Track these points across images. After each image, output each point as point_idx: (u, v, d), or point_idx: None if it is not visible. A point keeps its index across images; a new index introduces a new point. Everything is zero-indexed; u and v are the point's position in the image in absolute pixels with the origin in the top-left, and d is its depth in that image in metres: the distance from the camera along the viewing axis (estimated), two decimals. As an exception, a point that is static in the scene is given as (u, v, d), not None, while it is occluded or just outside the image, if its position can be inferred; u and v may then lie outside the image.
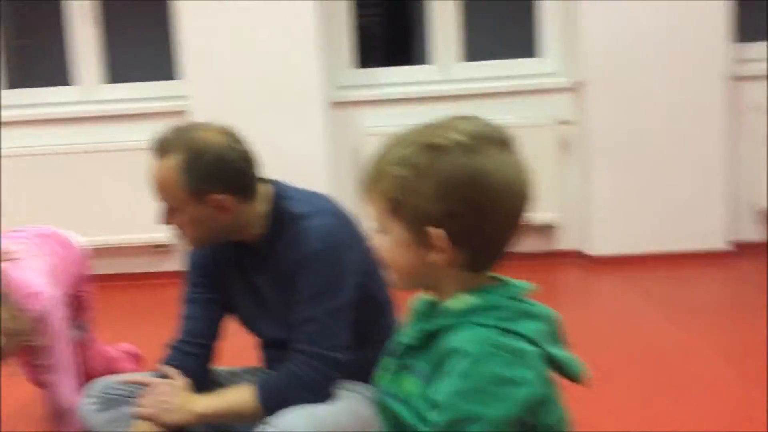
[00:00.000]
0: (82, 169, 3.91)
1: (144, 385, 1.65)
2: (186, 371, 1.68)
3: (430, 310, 1.10)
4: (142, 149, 3.55)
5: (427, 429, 0.99)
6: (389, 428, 1.11)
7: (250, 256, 1.71)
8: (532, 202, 1.03)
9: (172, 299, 1.77)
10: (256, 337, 1.81)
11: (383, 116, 3.92)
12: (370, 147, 3.80)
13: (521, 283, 1.08)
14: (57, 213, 3.88)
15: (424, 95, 3.95)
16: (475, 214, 0.98)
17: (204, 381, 1.73)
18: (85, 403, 1.71)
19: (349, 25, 4.05)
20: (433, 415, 0.97)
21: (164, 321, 1.87)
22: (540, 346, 1.00)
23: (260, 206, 1.67)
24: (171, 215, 1.63)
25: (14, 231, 2.15)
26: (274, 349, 1.76)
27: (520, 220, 1.03)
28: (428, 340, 1.06)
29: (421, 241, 1.01)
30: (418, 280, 1.08)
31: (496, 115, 1.36)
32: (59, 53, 4.19)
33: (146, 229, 3.58)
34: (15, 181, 3.89)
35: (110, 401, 1.70)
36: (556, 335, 1.07)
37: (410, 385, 1.06)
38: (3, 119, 4.00)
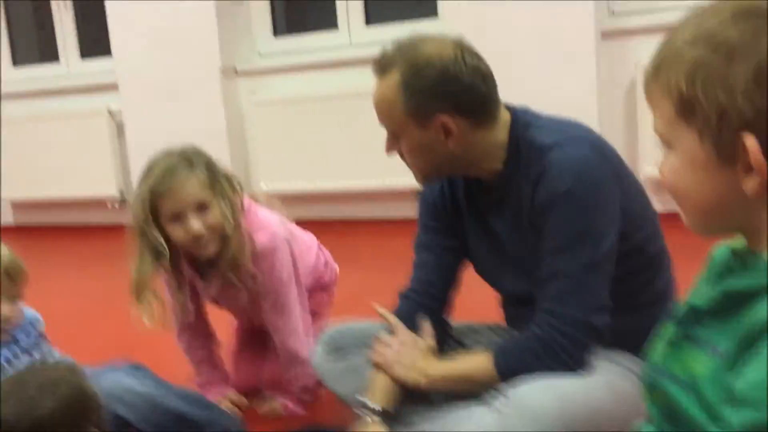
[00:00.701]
0: (345, 112, 3.94)
1: (391, 329, 1.51)
2: (416, 324, 1.52)
3: (738, 263, 0.77)
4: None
5: (719, 431, 0.69)
6: (659, 417, 0.82)
7: (486, 196, 1.47)
8: None
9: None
10: (497, 291, 1.59)
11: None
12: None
13: None
14: (319, 156, 4.01)
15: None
16: None
17: (439, 336, 1.55)
18: (316, 351, 1.63)
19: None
20: (731, 413, 0.68)
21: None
22: None
23: (499, 135, 1.41)
24: (393, 142, 1.44)
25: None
26: (515, 305, 1.53)
27: None
28: (732, 304, 0.74)
29: (726, 156, 0.70)
30: (720, 218, 0.76)
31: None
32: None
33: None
34: (282, 126, 4.05)
35: (342, 350, 1.60)
36: None
37: (699, 364, 0.76)
38: (275, 66, 4.18)
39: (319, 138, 4.01)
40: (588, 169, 1.33)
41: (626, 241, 1.38)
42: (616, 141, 3.45)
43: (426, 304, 1.54)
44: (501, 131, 1.41)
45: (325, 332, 1.65)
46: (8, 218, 4.96)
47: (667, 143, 0.75)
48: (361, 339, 1.60)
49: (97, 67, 4.69)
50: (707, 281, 0.80)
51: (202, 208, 1.69)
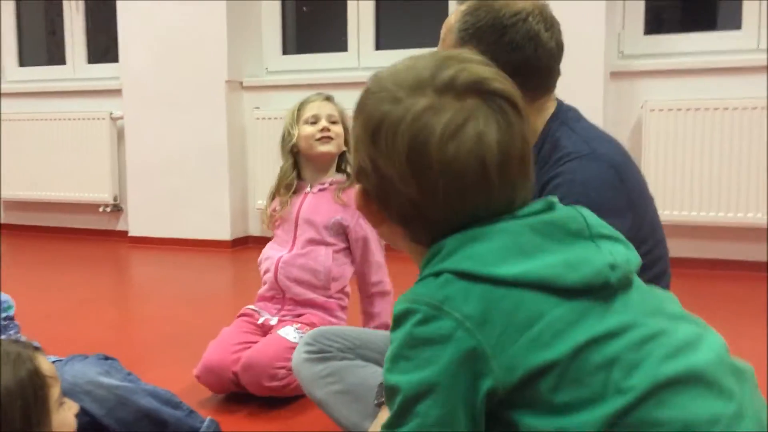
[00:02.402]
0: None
1: None
2: None
3: None
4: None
5: None
6: None
7: None
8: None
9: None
10: None
11: (670, 89, 3.41)
12: (653, 123, 3.42)
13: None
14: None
15: (724, 65, 3.35)
16: (377, 173, 0.82)
17: None
18: (297, 351, 1.56)
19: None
20: None
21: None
22: (476, 275, 0.76)
23: (535, 119, 1.34)
24: None
25: None
26: None
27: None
28: None
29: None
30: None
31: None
32: (337, 20, 4.26)
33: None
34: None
35: (324, 352, 1.53)
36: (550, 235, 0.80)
37: None
38: (281, 82, 4.16)
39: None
40: (600, 189, 1.25)
41: None
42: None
43: None
44: (539, 117, 1.35)
45: (309, 333, 1.58)
46: (-2, 217, 4.90)
47: None
48: (345, 342, 1.53)
49: (102, 72, 4.67)
50: None
51: (332, 120, 2.12)
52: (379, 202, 0.83)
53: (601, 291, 0.77)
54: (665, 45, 3.56)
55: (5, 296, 1.66)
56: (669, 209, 3.34)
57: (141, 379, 1.60)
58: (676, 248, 3.35)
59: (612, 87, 3.50)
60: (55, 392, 1.11)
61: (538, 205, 0.81)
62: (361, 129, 0.82)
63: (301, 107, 2.15)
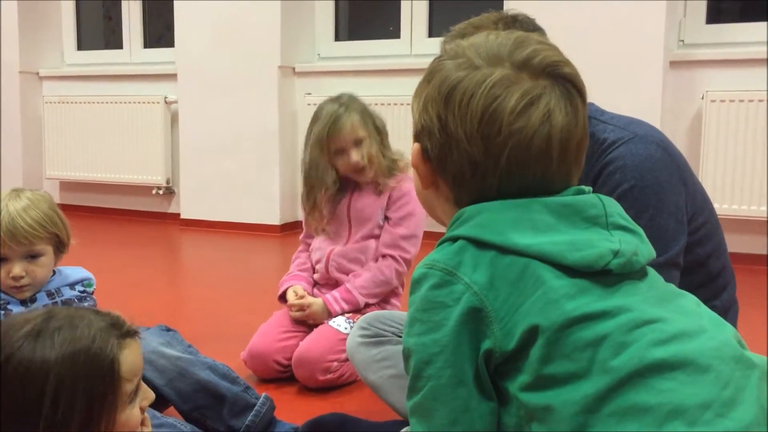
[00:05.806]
0: (402, 119, 3.89)
1: None
2: None
3: None
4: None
5: None
6: None
7: None
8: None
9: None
10: None
11: (732, 79, 3.31)
12: (713, 114, 3.33)
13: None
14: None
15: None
16: (444, 133, 0.85)
17: None
18: (352, 334, 1.56)
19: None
20: None
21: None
22: (486, 242, 0.80)
23: None
24: None
25: None
26: None
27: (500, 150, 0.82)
28: None
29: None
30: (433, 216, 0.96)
31: None
32: (390, 7, 4.24)
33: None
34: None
35: (379, 336, 1.53)
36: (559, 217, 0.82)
37: None
38: (333, 68, 4.16)
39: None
40: (654, 169, 1.26)
41: (688, 253, 1.29)
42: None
43: None
44: None
45: (364, 317, 1.58)
46: (54, 197, 5.00)
47: None
48: (400, 326, 1.53)
49: (158, 57, 4.74)
50: None
51: (358, 142, 2.02)
52: (437, 161, 0.86)
53: (603, 275, 0.79)
54: (728, 34, 3.46)
55: (88, 273, 1.71)
56: (728, 203, 3.25)
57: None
58: (743, 245, 3.29)
59: (671, 76, 3.42)
60: (128, 389, 1.01)
61: (569, 191, 0.85)
62: (434, 90, 0.85)
63: (329, 137, 2.02)
